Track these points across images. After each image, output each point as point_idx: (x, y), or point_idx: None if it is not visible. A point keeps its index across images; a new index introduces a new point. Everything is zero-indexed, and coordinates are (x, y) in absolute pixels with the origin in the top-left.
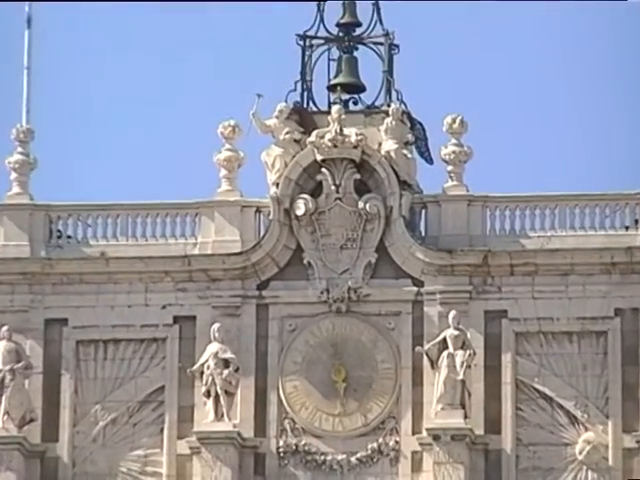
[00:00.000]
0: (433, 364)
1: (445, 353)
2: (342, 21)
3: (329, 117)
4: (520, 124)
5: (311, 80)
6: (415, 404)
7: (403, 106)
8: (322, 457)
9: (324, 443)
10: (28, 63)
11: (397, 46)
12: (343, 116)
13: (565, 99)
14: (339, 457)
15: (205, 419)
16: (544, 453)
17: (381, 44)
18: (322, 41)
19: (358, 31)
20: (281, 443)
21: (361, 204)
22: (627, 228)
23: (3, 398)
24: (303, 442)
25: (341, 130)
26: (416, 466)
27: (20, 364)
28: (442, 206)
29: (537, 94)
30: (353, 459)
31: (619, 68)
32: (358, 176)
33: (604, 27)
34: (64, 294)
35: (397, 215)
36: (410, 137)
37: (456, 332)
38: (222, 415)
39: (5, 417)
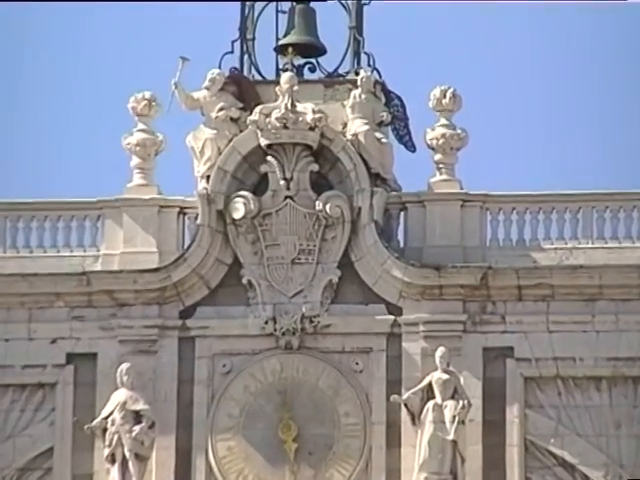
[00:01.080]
0: (414, 419)
1: (430, 404)
2: None
3: (277, 88)
4: (528, 103)
5: (253, 39)
6: (390, 472)
7: (376, 75)
8: None
9: None
10: None
11: None
12: (296, 87)
13: (575, 70)
14: None
15: None
16: None
17: None
18: None
19: None
20: None
21: (319, 205)
22: None
23: None
24: None
25: (293, 106)
26: None
27: None
28: (427, 207)
29: (545, 60)
30: None
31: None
32: (316, 167)
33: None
34: None
35: (367, 220)
36: (385, 116)
37: (445, 376)
38: None
39: None
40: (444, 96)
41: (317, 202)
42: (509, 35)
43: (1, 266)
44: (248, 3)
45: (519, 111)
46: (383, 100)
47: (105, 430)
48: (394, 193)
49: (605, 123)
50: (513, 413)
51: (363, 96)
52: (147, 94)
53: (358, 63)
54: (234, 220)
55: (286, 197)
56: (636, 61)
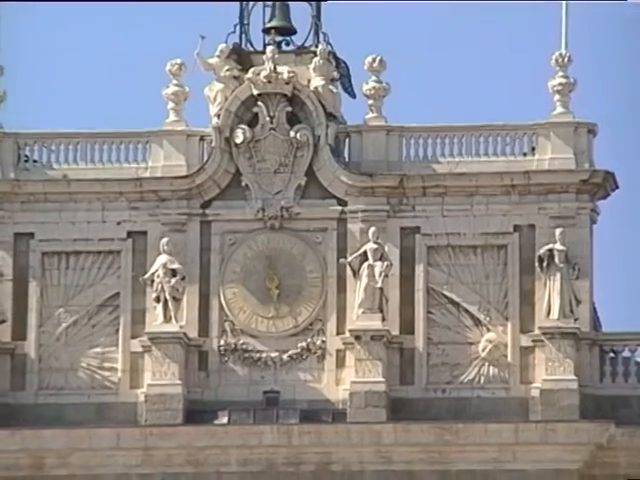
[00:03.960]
0: (355, 274)
1: (365, 264)
2: None
3: (264, 56)
4: (433, 61)
5: (248, 24)
6: (339, 308)
7: (329, 47)
8: (258, 354)
9: (260, 342)
10: None
11: None
12: (276, 55)
13: (472, 37)
14: (273, 354)
15: (155, 321)
16: (451, 351)
17: None
18: None
19: None
20: (222, 342)
21: (292, 133)
22: (525, 154)
23: None
24: (241, 341)
25: (275, 68)
26: (340, 362)
27: None
28: (363, 135)
29: (449, 32)
30: (285, 356)
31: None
32: (290, 109)
33: None
34: (31, 211)
35: (324, 143)
36: (335, 74)
37: (375, 246)
38: (170, 318)
39: None
40: (374, 61)
41: (291, 132)
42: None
43: (84, 174)
44: (244, 2)
45: (429, 65)
46: (334, 64)
47: (153, 281)
48: (341, 126)
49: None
50: (419, 269)
51: (321, 62)
52: (179, 60)
53: (317, 40)
54: (236, 144)
55: (270, 129)
56: None
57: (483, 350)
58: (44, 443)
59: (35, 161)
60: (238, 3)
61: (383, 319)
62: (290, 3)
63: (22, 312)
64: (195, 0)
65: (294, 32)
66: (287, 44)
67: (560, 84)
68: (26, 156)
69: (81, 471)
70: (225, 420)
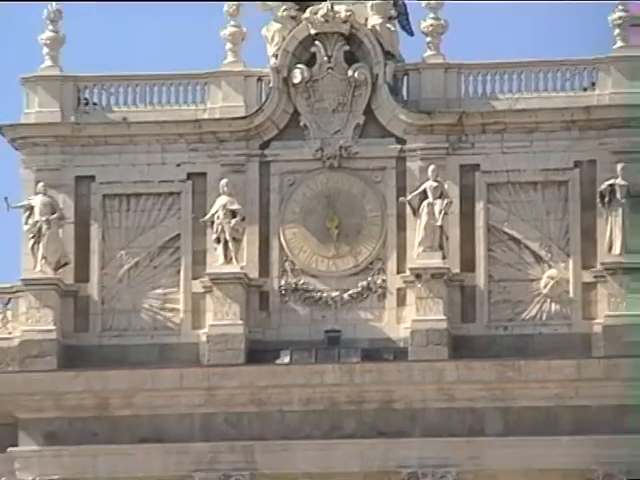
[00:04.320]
0: (415, 212)
1: (425, 202)
2: None
3: None
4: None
5: None
6: (399, 247)
7: None
8: (318, 294)
9: (320, 282)
10: None
11: None
12: None
13: None
14: (333, 294)
15: (216, 262)
16: (513, 288)
17: None
18: None
19: None
20: (282, 282)
21: (350, 72)
22: (585, 90)
23: (41, 245)
24: (302, 281)
25: (332, 7)
26: (401, 301)
27: (55, 215)
28: (422, 73)
29: None
30: (345, 295)
31: None
32: (347, 48)
33: None
34: (91, 154)
35: (382, 82)
36: (393, 12)
37: (435, 184)
38: (231, 259)
39: (43, 261)
40: None
41: (349, 71)
42: None
43: (143, 116)
44: None
45: (487, 2)
46: (392, 2)
47: (213, 222)
48: (399, 64)
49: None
50: (480, 207)
51: (378, 0)
52: (236, 2)
53: None
54: (294, 84)
55: (328, 68)
56: None
57: (545, 287)
58: (108, 384)
59: (95, 104)
60: None
61: (443, 257)
62: None
63: (84, 255)
64: None
65: None
66: None
67: (620, 18)
68: (86, 99)
69: (145, 411)
70: (287, 360)
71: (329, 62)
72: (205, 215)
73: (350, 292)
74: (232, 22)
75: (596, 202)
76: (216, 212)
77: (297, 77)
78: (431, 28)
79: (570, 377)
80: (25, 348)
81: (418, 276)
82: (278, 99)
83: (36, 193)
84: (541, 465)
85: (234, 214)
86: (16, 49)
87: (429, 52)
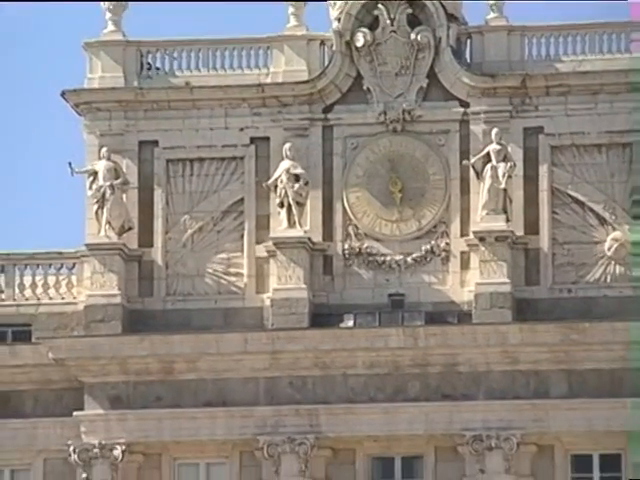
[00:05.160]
0: (478, 175)
1: (489, 165)
2: None
3: None
4: None
5: None
6: (463, 210)
7: None
8: (382, 258)
9: (383, 246)
10: None
11: None
12: None
13: None
14: (397, 257)
15: (279, 226)
16: (577, 250)
17: None
18: None
19: None
20: (346, 246)
21: (413, 35)
22: None
23: (104, 210)
24: (365, 245)
25: None
26: (464, 264)
27: (118, 180)
28: (485, 36)
29: None
30: (409, 259)
31: None
32: (410, 11)
33: None
34: (155, 119)
35: (445, 45)
36: None
37: (498, 147)
38: (294, 223)
39: (107, 226)
40: None
41: (412, 34)
42: None
43: (206, 81)
44: None
45: None
46: None
47: (276, 186)
48: (463, 27)
49: None
50: (543, 169)
51: None
52: None
53: None
54: (357, 47)
55: (391, 31)
56: None
57: (609, 249)
58: (173, 348)
59: (158, 69)
60: None
61: (507, 220)
62: None
63: (148, 219)
64: None
65: None
66: None
67: None
68: (149, 64)
69: (209, 375)
70: (351, 323)
71: (392, 25)
72: (268, 179)
73: (414, 255)
74: None
75: None
76: (279, 176)
77: (360, 40)
78: None
79: (635, 339)
80: (90, 313)
81: (482, 239)
82: (341, 63)
83: (100, 158)
84: (605, 427)
85: (297, 178)
86: (79, 14)
87: (492, 15)
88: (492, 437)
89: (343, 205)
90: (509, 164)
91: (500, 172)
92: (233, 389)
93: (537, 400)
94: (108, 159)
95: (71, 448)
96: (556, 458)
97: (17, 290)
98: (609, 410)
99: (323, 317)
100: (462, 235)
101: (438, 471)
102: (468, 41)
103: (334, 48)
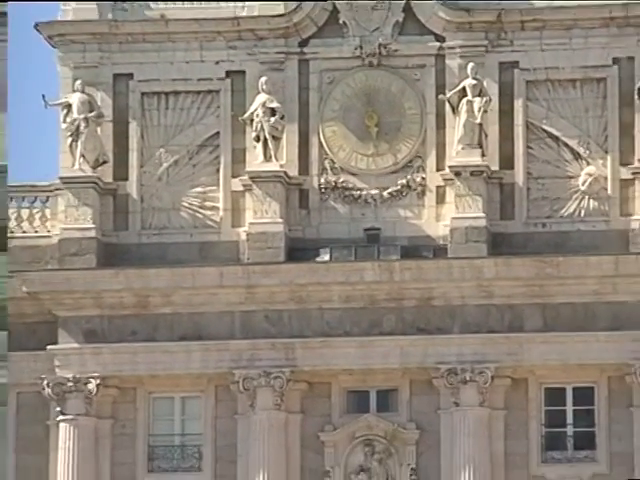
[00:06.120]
0: (454, 110)
1: (464, 100)
2: None
3: None
4: None
5: None
6: (439, 145)
7: None
8: (358, 192)
9: (359, 180)
10: None
11: None
12: None
13: None
14: (373, 192)
15: (255, 160)
16: (551, 185)
17: None
18: None
19: None
20: (322, 180)
21: None
22: None
23: (79, 143)
24: (341, 179)
25: None
26: (440, 198)
27: (93, 113)
28: None
29: None
30: (385, 193)
31: None
32: None
33: None
34: (129, 52)
35: None
36: None
37: (474, 81)
38: (270, 157)
39: (81, 159)
40: None
41: None
42: None
43: (181, 14)
44: None
45: None
46: None
47: (252, 120)
48: None
49: None
50: (519, 104)
51: None
52: None
53: None
54: None
55: None
56: None
57: (583, 183)
58: (148, 282)
59: (132, 0)
60: None
61: (483, 154)
62: None
63: (123, 153)
64: None
65: None
66: None
67: None
68: None
69: (185, 309)
70: (327, 257)
71: None
72: (244, 113)
73: (389, 190)
74: None
75: (634, 99)
76: (255, 110)
77: None
78: None
79: (608, 273)
80: (64, 246)
81: (457, 174)
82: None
83: (74, 91)
84: (579, 360)
85: (273, 112)
86: None
87: None
88: (467, 370)
89: (319, 139)
90: (485, 99)
91: (476, 107)
92: (208, 323)
93: (511, 334)
94: (82, 92)
95: (45, 382)
96: (530, 391)
97: None
98: (583, 343)
99: (299, 251)
100: (438, 169)
101: (413, 404)
102: None
103: None
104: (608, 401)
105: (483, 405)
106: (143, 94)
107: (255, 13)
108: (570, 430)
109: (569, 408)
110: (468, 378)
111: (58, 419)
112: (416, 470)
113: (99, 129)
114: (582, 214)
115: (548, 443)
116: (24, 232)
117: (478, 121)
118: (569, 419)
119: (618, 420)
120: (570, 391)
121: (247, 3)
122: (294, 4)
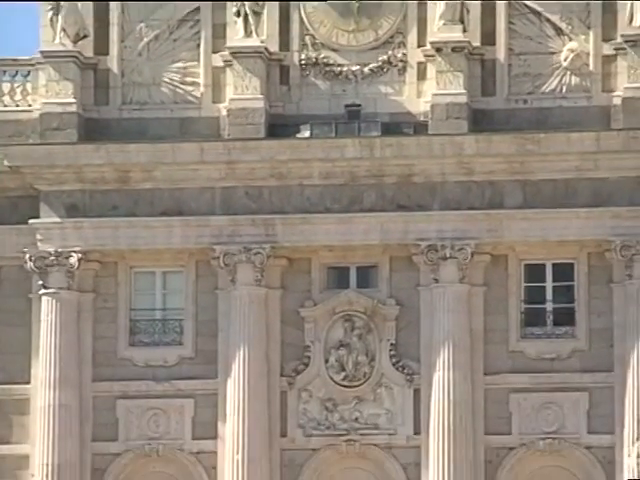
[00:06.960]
0: None
1: None
2: None
3: None
4: None
5: None
6: (420, 20)
7: None
8: (339, 68)
9: (340, 56)
10: None
11: None
12: None
13: None
14: (354, 68)
15: (236, 36)
16: (533, 61)
17: None
18: None
19: None
20: (303, 56)
21: None
22: None
23: (59, 17)
24: (322, 55)
25: None
26: (421, 75)
27: None
28: None
29: None
30: (366, 69)
31: None
32: None
33: None
34: None
35: None
36: None
37: None
38: (251, 32)
39: (62, 34)
40: None
41: None
42: None
43: None
44: None
45: None
46: None
47: None
48: None
49: None
50: None
51: None
52: None
53: None
54: None
55: None
56: None
57: (565, 59)
58: (129, 157)
59: None
60: None
61: (464, 30)
62: None
63: (103, 27)
64: None
65: None
66: None
67: None
68: None
69: (165, 185)
70: (307, 134)
71: None
72: None
73: (370, 66)
74: None
75: None
76: None
77: None
78: None
79: (589, 149)
80: (45, 120)
81: (438, 50)
82: None
83: None
84: (559, 237)
85: None
86: None
87: None
88: (446, 247)
89: (300, 15)
90: None
91: None
92: (189, 199)
93: (491, 210)
94: None
95: (27, 255)
96: (510, 267)
97: None
98: (563, 220)
99: (279, 127)
100: (419, 46)
101: (393, 280)
102: None
103: None
104: (588, 277)
105: (463, 281)
106: None
107: None
108: (549, 306)
109: (549, 284)
110: (448, 255)
111: (40, 292)
112: (395, 345)
113: (79, 3)
114: (564, 90)
115: (527, 319)
116: (5, 106)
117: None
118: (549, 295)
119: (597, 296)
120: (550, 267)
121: None
122: None
